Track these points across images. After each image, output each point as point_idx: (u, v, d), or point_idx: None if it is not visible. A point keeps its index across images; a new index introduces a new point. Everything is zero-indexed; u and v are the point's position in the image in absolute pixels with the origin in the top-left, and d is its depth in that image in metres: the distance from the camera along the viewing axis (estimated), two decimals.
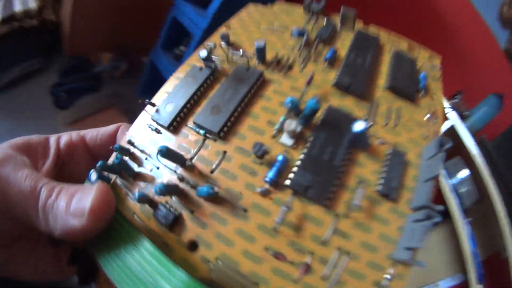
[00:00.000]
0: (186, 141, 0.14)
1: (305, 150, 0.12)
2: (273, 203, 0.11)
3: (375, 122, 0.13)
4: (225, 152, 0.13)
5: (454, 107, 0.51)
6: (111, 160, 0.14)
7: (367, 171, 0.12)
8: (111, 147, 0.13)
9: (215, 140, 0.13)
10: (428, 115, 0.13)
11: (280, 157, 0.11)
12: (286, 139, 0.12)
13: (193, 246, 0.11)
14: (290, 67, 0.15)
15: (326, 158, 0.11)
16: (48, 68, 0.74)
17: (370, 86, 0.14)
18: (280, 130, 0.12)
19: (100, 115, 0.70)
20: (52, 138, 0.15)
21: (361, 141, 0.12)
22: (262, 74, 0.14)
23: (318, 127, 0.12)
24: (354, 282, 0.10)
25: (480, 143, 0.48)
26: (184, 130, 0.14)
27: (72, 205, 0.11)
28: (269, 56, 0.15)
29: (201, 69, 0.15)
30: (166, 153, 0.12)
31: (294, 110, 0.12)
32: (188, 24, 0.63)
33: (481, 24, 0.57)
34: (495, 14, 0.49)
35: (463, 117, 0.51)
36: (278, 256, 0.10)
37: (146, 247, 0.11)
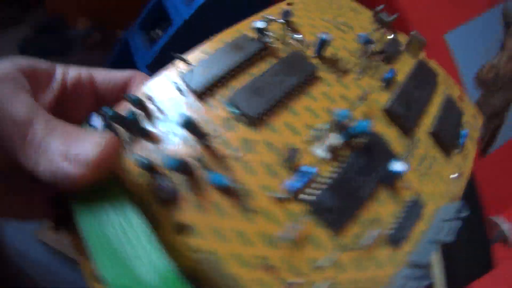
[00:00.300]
0: (212, 115, 0.12)
1: (339, 170, 0.11)
2: (284, 213, 0.11)
3: (409, 161, 0.12)
4: (250, 142, 0.12)
5: None
6: (122, 109, 0.12)
7: (385, 210, 0.11)
8: (124, 95, 0.12)
9: (245, 125, 0.12)
10: (456, 174, 0.13)
11: (313, 170, 0.11)
12: (321, 151, 0.11)
13: (183, 229, 0.11)
14: (346, 72, 0.14)
15: (355, 185, 0.11)
16: (23, 21, 0.69)
17: (417, 124, 0.13)
18: (318, 138, 0.12)
19: None
20: (60, 69, 0.13)
21: (391, 179, 0.11)
22: (316, 70, 0.13)
23: (357, 152, 0.11)
24: None
25: None
26: (213, 102, 0.13)
27: (72, 149, 0.09)
28: (328, 52, 0.14)
29: (252, 40, 0.14)
30: (190, 124, 0.10)
31: (341, 120, 0.11)
32: (171, 9, 0.54)
33: (456, 77, 0.52)
34: (473, 73, 0.46)
35: None
36: (269, 269, 0.10)
37: (132, 217, 0.09)
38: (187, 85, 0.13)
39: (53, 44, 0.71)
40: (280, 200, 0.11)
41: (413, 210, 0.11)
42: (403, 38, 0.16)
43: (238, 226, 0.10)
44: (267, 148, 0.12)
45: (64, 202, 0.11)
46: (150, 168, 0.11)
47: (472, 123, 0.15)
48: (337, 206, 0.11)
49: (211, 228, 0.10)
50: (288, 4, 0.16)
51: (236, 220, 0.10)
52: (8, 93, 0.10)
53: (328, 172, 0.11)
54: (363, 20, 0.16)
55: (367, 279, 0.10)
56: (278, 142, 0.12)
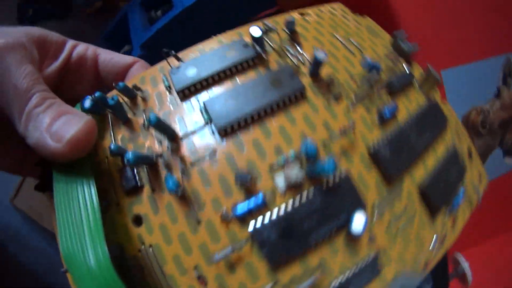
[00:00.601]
0: (186, 116, 0.12)
1: (289, 208, 0.10)
2: (226, 233, 0.10)
3: (382, 213, 0.11)
4: (214, 152, 0.11)
5: None
6: (110, 94, 0.13)
7: (336, 260, 0.10)
8: (114, 84, 0.12)
9: (212, 133, 0.11)
10: (435, 240, 0.11)
11: (260, 196, 0.10)
12: (281, 181, 0.10)
13: (138, 221, 0.11)
14: (338, 98, 0.12)
15: (305, 228, 0.10)
16: None
17: (405, 173, 0.11)
18: (283, 166, 0.11)
19: None
20: (69, 43, 0.14)
21: (351, 230, 0.10)
22: (304, 90, 0.12)
23: (320, 190, 0.10)
24: None
25: None
26: (193, 102, 0.12)
27: (55, 126, 0.10)
28: (325, 71, 0.13)
29: (246, 46, 0.13)
30: (157, 124, 0.10)
31: (307, 155, 0.10)
32: None
33: None
34: (462, 113, 0.45)
35: None
36: (200, 279, 0.10)
37: (92, 201, 0.10)
38: (172, 82, 0.13)
39: (53, 7, 0.70)
40: (226, 219, 0.10)
41: (369, 268, 0.10)
42: (418, 72, 0.14)
43: (182, 232, 0.10)
44: (227, 162, 0.11)
45: (49, 167, 0.12)
46: (120, 155, 0.11)
47: (475, 184, 0.13)
48: (281, 242, 0.10)
49: (160, 226, 0.11)
50: (301, 14, 0.15)
51: (182, 226, 0.10)
52: (15, 62, 0.11)
53: (282, 205, 0.10)
54: (379, 44, 0.15)
55: None
56: (241, 159, 0.11)
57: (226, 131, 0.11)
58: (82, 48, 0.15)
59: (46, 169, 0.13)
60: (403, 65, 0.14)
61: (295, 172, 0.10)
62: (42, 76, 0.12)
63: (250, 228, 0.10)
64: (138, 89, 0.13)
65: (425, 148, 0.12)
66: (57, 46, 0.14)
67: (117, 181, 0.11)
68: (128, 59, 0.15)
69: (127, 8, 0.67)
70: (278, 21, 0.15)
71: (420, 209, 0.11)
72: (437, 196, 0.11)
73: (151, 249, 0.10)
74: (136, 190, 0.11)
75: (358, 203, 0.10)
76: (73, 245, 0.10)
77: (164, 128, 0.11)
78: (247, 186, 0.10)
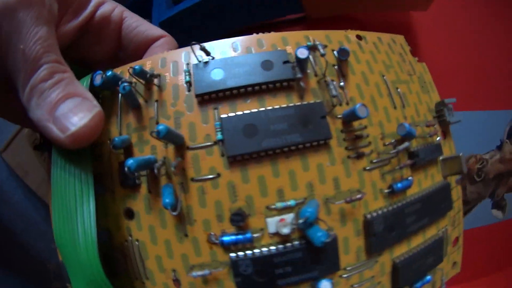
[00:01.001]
0: (199, 124, 0.11)
1: (271, 251, 0.10)
2: (208, 252, 0.11)
3: (350, 276, 0.12)
4: (218, 175, 0.11)
5: None
6: (123, 69, 0.12)
7: None
8: (129, 69, 0.11)
9: (222, 155, 0.11)
10: None
11: (248, 234, 0.10)
12: (272, 225, 0.11)
13: (130, 215, 0.11)
14: (359, 157, 0.12)
15: (278, 272, 0.11)
16: None
17: (388, 249, 0.12)
18: (279, 211, 0.11)
19: None
20: (94, 1, 0.13)
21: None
22: (330, 139, 0.11)
23: (305, 245, 0.11)
24: None
25: None
26: (210, 112, 0.11)
27: (60, 109, 0.09)
28: (358, 122, 0.12)
29: (286, 63, 0.12)
30: (166, 135, 0.10)
31: (306, 220, 0.10)
32: None
33: None
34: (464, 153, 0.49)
35: None
36: (176, 282, 0.11)
37: (89, 193, 0.10)
38: (194, 80, 0.11)
39: None
40: (212, 241, 0.11)
41: None
42: (448, 148, 0.13)
43: (168, 239, 0.11)
44: (228, 190, 0.11)
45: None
46: (123, 148, 0.11)
47: (445, 271, 0.13)
48: (254, 279, 0.11)
49: (149, 226, 0.11)
50: (358, 37, 0.13)
51: (170, 233, 0.11)
52: (29, 21, 0.09)
53: (265, 246, 0.11)
54: (424, 103, 0.13)
55: None
56: (242, 191, 0.11)
57: (236, 159, 0.11)
58: (108, 8, 0.13)
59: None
60: (438, 137, 0.13)
61: (288, 223, 0.10)
62: (59, 32, 0.11)
63: (232, 256, 0.11)
64: (156, 76, 0.12)
65: (417, 231, 0.12)
66: (81, 1, 0.12)
67: (115, 170, 0.11)
68: (155, 31, 0.13)
69: None
70: (331, 39, 0.12)
71: (384, 282, 0.12)
72: (405, 276, 0.12)
73: (137, 243, 0.11)
74: (133, 187, 0.11)
75: (334, 267, 0.11)
76: (65, 228, 0.10)
77: (172, 137, 0.10)
78: (239, 225, 0.10)
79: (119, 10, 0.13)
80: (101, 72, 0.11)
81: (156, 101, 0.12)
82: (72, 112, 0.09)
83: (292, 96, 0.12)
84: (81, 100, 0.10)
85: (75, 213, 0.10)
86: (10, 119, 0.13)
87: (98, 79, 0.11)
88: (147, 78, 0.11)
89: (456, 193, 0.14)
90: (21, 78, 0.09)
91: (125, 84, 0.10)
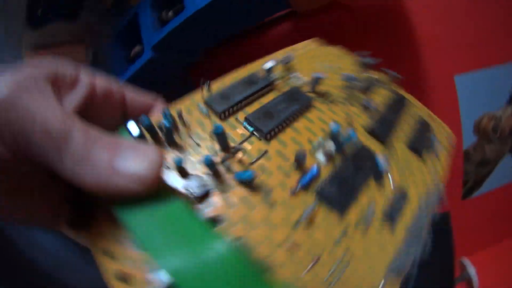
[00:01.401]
0: (232, 132, 0.15)
1: (336, 170, 0.14)
2: (298, 202, 0.13)
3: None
4: (266, 151, 0.14)
5: None
6: (155, 120, 0.14)
7: (373, 195, 0.14)
8: (161, 111, 0.14)
9: (259, 139, 0.15)
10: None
11: (314, 168, 0.14)
12: (321, 156, 0.14)
13: (215, 222, 0.13)
14: (333, 102, 0.18)
15: (352, 181, 0.14)
16: None
17: (392, 137, 0.17)
18: (317, 149, 0.15)
19: (67, 48, 0.60)
20: (85, 75, 0.13)
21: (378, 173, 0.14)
22: (311, 101, 0.17)
23: (348, 157, 0.15)
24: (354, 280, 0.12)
25: None
26: (233, 121, 0.16)
27: (121, 162, 0.09)
28: (320, 88, 0.18)
29: (261, 77, 0.18)
30: (221, 134, 0.13)
31: (334, 135, 0.15)
32: None
33: (456, 120, 0.53)
34: (473, 118, 0.44)
35: None
36: (293, 246, 0.12)
37: (181, 209, 0.11)
38: (211, 107, 0.16)
39: (64, 5, 0.62)
40: (294, 192, 0.13)
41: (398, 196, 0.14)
42: (380, 75, 0.21)
43: (264, 214, 0.12)
44: (279, 155, 0.14)
45: (83, 201, 0.11)
46: (181, 169, 0.13)
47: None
48: (340, 192, 0.13)
49: (239, 217, 0.12)
50: (292, 49, 0.21)
51: (261, 210, 0.12)
52: (37, 102, 0.09)
53: (329, 170, 0.14)
54: (347, 63, 0.22)
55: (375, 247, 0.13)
56: (287, 152, 0.15)
57: (270, 135, 0.15)
58: (105, 82, 0.13)
59: (79, 207, 0.12)
60: (369, 73, 0.21)
61: (330, 146, 0.14)
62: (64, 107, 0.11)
63: (316, 189, 0.13)
64: (180, 116, 0.15)
65: (398, 120, 0.18)
66: (72, 78, 0.12)
67: (183, 195, 0.12)
68: (148, 98, 0.15)
69: (137, 8, 0.63)
70: (277, 57, 0.20)
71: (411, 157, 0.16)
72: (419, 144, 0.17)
73: (240, 240, 0.12)
74: (206, 195, 0.13)
75: (373, 157, 0.15)
76: (185, 260, 0.09)
77: (224, 139, 0.14)
78: (303, 163, 0.14)
79: (115, 82, 0.14)
80: (133, 121, 0.12)
81: (188, 133, 0.15)
82: (131, 159, 0.09)
83: (276, 92, 0.18)
84: (132, 144, 0.10)
85: (190, 240, 0.10)
86: (46, 222, 0.12)
87: (134, 130, 0.12)
88: (174, 119, 0.14)
89: (407, 94, 0.21)
90: (54, 153, 0.09)
91: (163, 122, 0.13)
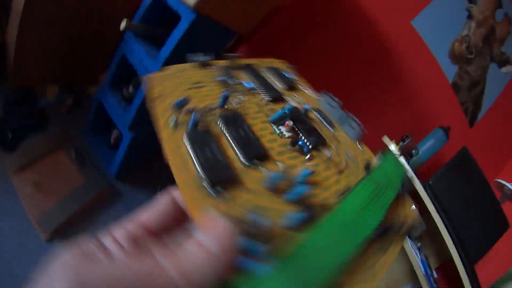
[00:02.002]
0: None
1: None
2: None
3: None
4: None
5: (403, 150, 0.55)
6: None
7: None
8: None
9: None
10: None
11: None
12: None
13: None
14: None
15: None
16: None
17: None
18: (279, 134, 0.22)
19: (49, 158, 0.64)
20: (107, 239, 0.13)
21: None
22: (239, 112, 0.21)
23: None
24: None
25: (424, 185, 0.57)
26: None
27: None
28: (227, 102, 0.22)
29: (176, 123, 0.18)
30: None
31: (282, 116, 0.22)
32: (138, 65, 0.54)
33: (431, 61, 0.57)
34: (445, 50, 0.46)
35: (412, 157, 0.57)
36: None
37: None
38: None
39: (27, 120, 0.66)
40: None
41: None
42: (243, 60, 0.26)
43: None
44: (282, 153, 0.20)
45: None
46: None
47: None
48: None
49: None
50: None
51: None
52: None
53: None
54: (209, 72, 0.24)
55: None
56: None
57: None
58: (123, 232, 0.14)
59: None
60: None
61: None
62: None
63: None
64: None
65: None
66: (101, 249, 0.12)
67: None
68: (161, 206, 0.16)
69: (98, 95, 0.63)
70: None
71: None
72: None
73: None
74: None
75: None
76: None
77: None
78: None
79: (130, 222, 0.15)
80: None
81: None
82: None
83: None
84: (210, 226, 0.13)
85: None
86: None
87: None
88: None
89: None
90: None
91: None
